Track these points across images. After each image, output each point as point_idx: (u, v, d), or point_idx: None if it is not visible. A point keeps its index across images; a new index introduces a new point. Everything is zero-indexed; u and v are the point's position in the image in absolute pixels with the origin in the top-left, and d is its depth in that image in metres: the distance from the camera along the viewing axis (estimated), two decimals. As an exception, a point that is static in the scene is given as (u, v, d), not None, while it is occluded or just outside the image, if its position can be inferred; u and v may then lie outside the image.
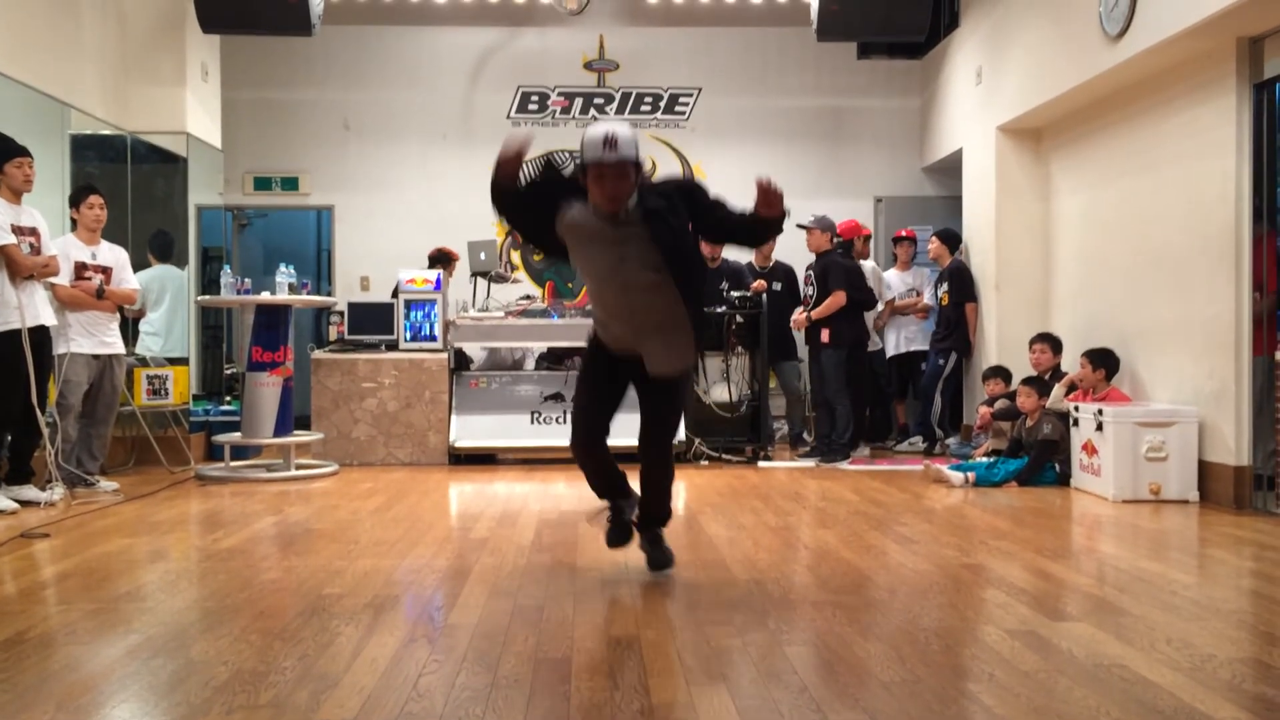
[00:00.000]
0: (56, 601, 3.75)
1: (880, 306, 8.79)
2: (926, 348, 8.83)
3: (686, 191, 3.86)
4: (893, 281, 9.03)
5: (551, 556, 4.46)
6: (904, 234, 9.19)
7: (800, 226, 8.11)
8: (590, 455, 4.05)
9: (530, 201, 3.86)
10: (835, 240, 8.19)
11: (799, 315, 8.03)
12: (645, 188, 3.79)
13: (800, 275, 8.54)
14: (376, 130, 10.08)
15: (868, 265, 8.85)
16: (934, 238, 8.76)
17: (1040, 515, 5.62)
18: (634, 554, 4.50)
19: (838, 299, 7.75)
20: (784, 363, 8.80)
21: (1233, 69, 5.81)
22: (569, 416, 4.17)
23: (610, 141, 3.59)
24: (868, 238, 9.24)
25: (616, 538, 4.20)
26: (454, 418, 7.83)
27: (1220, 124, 5.92)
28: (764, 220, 3.75)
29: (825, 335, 7.81)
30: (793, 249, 8.46)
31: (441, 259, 8.54)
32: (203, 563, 4.38)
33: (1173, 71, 6.33)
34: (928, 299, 8.90)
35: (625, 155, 3.62)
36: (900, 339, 8.95)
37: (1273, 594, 3.89)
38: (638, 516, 4.17)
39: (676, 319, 3.83)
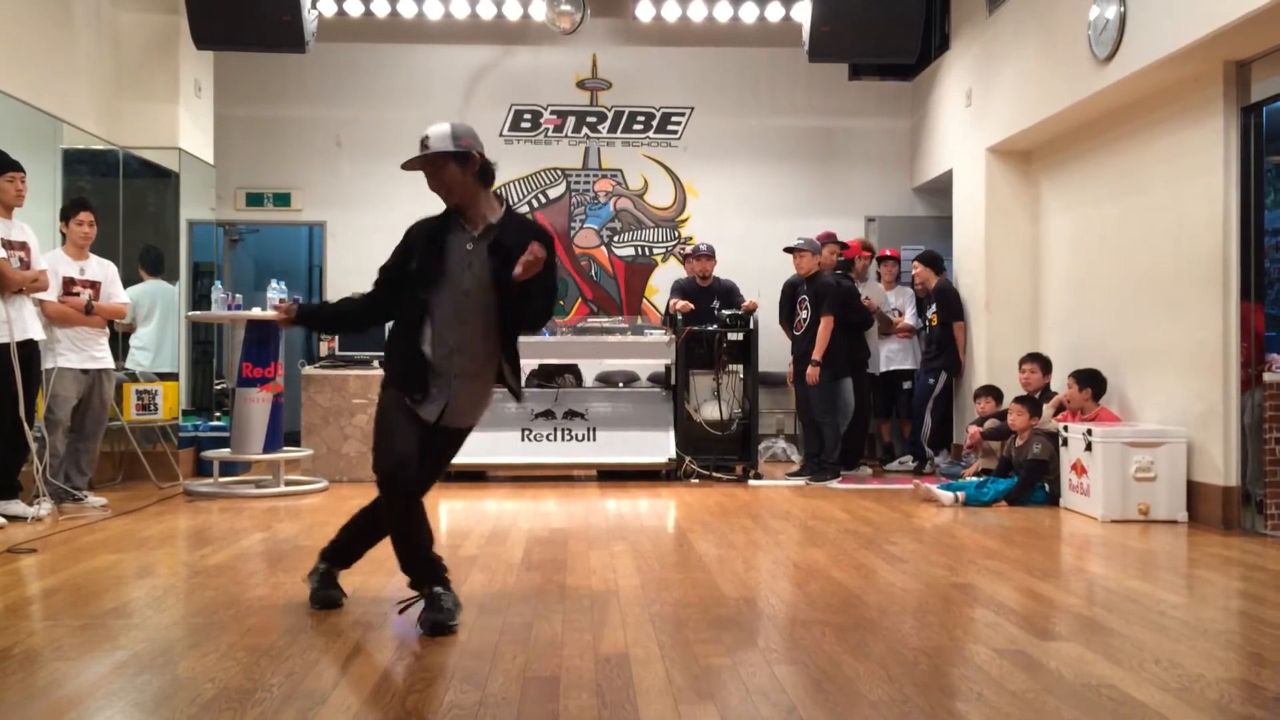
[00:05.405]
0: (42, 617, 3.73)
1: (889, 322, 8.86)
2: (909, 366, 8.87)
3: (546, 243, 3.59)
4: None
5: (541, 574, 4.45)
6: (888, 253, 9.26)
7: (787, 250, 8.13)
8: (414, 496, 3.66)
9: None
10: (837, 258, 8.26)
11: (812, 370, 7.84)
12: (514, 221, 3.73)
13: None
14: (369, 147, 10.08)
15: (875, 286, 8.93)
16: (916, 262, 8.75)
17: (1029, 535, 5.63)
18: (625, 572, 4.50)
19: (828, 324, 7.77)
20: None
21: (1220, 92, 5.86)
22: (377, 444, 3.70)
23: (422, 141, 3.69)
24: (870, 256, 9.22)
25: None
26: (444, 435, 7.81)
27: (1208, 147, 5.96)
28: (519, 286, 3.52)
29: (816, 355, 7.81)
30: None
31: None
32: (190, 579, 4.36)
33: (1161, 94, 6.38)
34: (909, 319, 8.94)
35: (436, 149, 3.65)
36: (883, 358, 8.97)
37: (1261, 615, 3.90)
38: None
39: (489, 369, 3.78)
